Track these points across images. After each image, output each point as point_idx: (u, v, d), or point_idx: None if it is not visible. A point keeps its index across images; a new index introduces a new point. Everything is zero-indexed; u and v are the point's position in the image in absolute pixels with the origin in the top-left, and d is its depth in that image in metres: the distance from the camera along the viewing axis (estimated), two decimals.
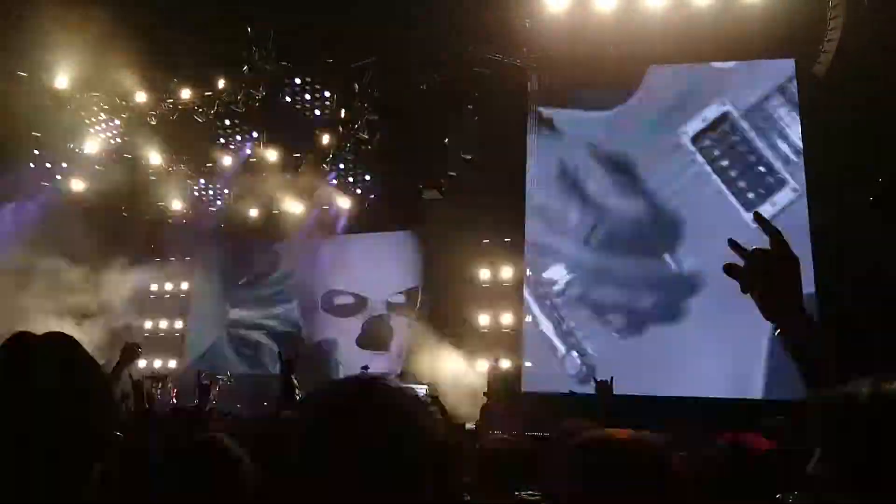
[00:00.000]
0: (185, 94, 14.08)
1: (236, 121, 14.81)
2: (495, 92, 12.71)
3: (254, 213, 16.05)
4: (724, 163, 11.74)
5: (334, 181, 15.18)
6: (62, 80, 13.23)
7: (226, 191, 16.27)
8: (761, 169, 11.52)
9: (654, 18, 11.17)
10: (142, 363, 13.32)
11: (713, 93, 12.02)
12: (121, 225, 16.11)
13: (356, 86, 13.70)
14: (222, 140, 15.23)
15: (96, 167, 15.04)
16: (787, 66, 11.69)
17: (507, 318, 13.12)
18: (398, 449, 0.89)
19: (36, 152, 14.51)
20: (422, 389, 11.36)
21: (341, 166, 15.10)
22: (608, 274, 11.83)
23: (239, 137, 15.16)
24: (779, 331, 1.29)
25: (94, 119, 14.51)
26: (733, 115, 11.85)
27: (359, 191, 15.42)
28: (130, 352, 4.74)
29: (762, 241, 1.39)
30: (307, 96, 14.24)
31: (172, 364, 15.43)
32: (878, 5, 9.91)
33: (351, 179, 15.34)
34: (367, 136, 14.34)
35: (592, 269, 11.99)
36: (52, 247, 13.45)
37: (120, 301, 15.40)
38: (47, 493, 1.13)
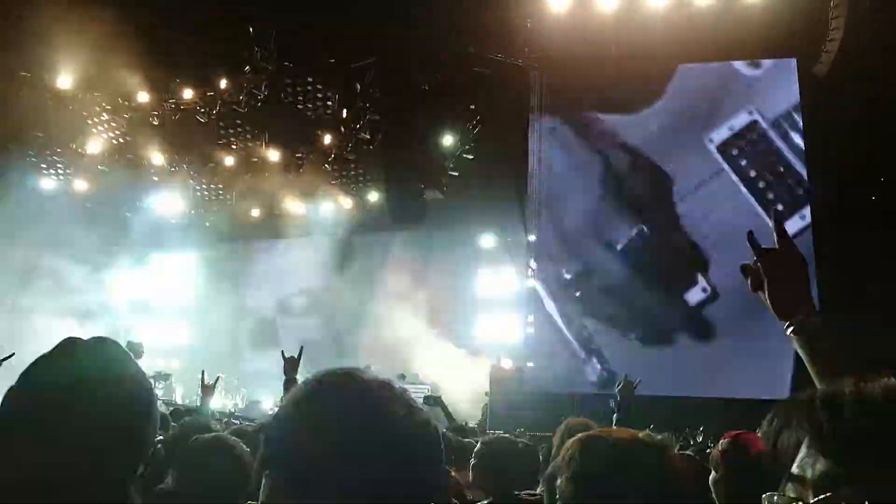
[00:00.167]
0: (187, 94, 14.11)
1: (238, 121, 14.83)
2: (497, 92, 12.71)
3: (256, 212, 16.08)
4: (752, 174, 11.49)
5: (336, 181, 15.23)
6: (65, 80, 13.26)
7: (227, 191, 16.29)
8: (790, 182, 11.35)
9: (656, 19, 11.17)
10: (144, 363, 13.33)
11: (741, 100, 11.74)
12: (123, 225, 16.14)
13: (358, 86, 13.71)
14: (224, 140, 15.25)
15: (98, 167, 15.07)
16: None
17: (508, 319, 13.14)
18: (376, 441, 0.87)
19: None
20: (424, 389, 11.40)
21: (342, 166, 15.14)
22: (627, 280, 11.70)
23: (240, 137, 15.19)
24: (790, 330, 1.30)
25: (96, 119, 14.54)
26: (761, 124, 11.63)
27: (360, 191, 15.46)
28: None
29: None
30: (309, 96, 14.26)
31: (175, 364, 15.45)
32: (879, 5, 9.91)
33: (352, 179, 15.37)
34: (368, 136, 14.35)
35: (612, 275, 11.80)
36: (54, 246, 13.48)
37: (122, 301, 15.44)
38: (96, 493, 1.16)
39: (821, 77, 11.16)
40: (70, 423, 1.18)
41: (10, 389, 1.25)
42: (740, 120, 11.74)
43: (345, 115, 14.17)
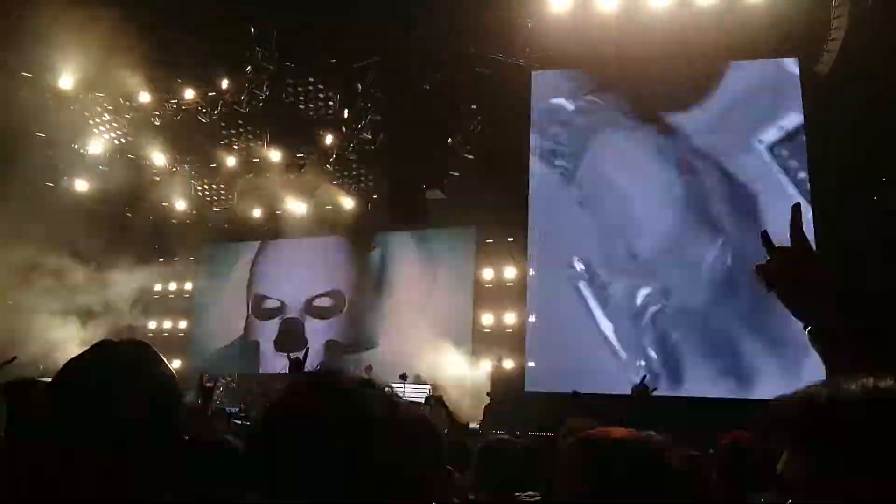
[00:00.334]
0: (189, 94, 14.13)
1: (239, 121, 14.84)
2: (498, 91, 12.71)
3: (257, 212, 16.09)
4: (802, 175, 11.21)
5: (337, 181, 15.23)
6: (66, 80, 13.27)
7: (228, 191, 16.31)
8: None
9: (657, 19, 11.17)
10: None
11: (793, 100, 11.47)
12: (125, 225, 16.15)
13: (359, 86, 13.72)
14: (225, 140, 15.27)
15: (100, 167, 15.09)
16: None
17: (510, 318, 13.14)
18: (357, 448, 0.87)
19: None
20: (425, 390, 11.40)
21: (344, 166, 15.15)
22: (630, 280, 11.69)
23: (242, 138, 15.20)
24: (808, 329, 1.29)
25: (97, 119, 14.56)
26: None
27: (361, 190, 15.47)
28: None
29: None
30: (310, 96, 14.27)
31: (176, 364, 15.46)
32: (881, 5, 9.90)
33: (354, 179, 15.38)
34: (370, 136, 14.36)
35: (615, 275, 11.72)
36: (56, 247, 13.50)
37: (124, 301, 15.45)
38: (134, 493, 1.19)
39: (822, 76, 11.15)
40: (105, 424, 1.19)
41: (41, 390, 1.28)
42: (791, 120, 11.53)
43: (346, 115, 14.18)
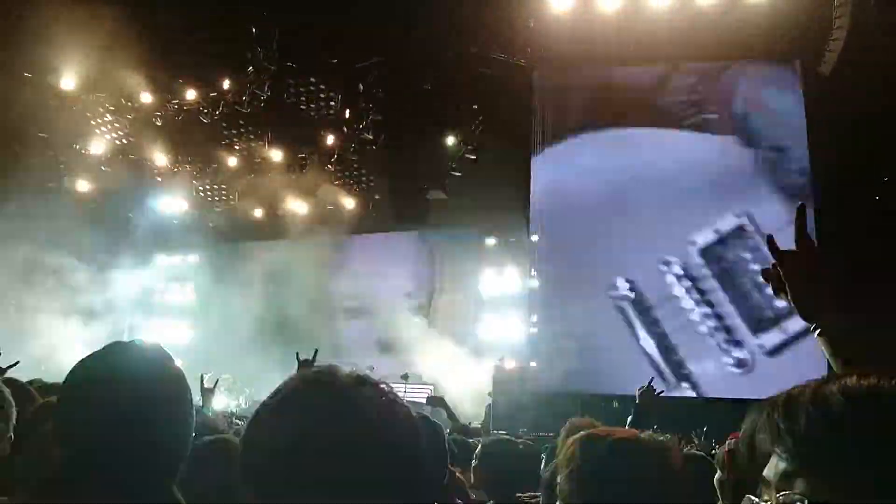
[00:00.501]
0: (190, 94, 14.14)
1: (241, 121, 14.86)
2: (499, 92, 12.71)
3: (258, 212, 16.11)
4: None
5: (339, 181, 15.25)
6: (68, 81, 13.29)
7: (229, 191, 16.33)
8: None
9: (659, 19, 11.16)
10: None
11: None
12: (126, 225, 16.18)
13: (360, 86, 13.73)
14: (227, 140, 15.28)
15: (101, 167, 15.11)
16: None
17: (511, 318, 13.13)
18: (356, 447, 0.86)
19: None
20: (426, 390, 11.40)
21: (345, 166, 15.16)
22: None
23: (243, 138, 15.22)
24: (816, 331, 1.29)
25: (99, 120, 14.58)
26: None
27: (363, 191, 15.48)
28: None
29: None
30: (311, 97, 14.28)
31: (178, 364, 15.46)
32: (884, 5, 9.88)
33: (355, 180, 15.39)
34: (371, 137, 14.37)
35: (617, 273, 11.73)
36: (57, 247, 13.52)
37: (126, 301, 15.47)
38: (143, 492, 1.21)
39: (824, 76, 11.13)
40: (116, 423, 1.20)
41: (46, 388, 1.29)
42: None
43: (347, 115, 14.19)
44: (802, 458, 0.70)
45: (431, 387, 12.13)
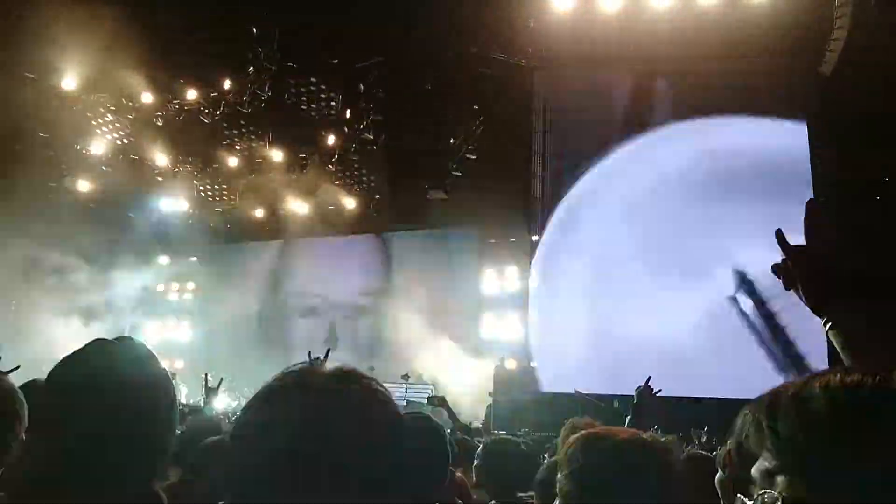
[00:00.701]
0: (191, 94, 14.15)
1: (241, 121, 14.86)
2: (500, 92, 12.71)
3: (259, 212, 16.11)
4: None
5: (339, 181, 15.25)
6: (69, 81, 13.30)
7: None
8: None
9: (660, 19, 11.15)
10: None
11: None
12: (127, 225, 16.18)
13: (361, 86, 13.73)
14: (227, 140, 15.28)
15: (103, 167, 15.11)
16: None
17: (512, 318, 13.13)
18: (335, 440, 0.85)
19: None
20: (427, 389, 11.40)
21: (346, 166, 15.16)
22: (635, 278, 11.72)
23: (244, 138, 15.22)
24: (828, 325, 1.29)
25: (100, 120, 14.58)
26: None
27: (364, 191, 15.48)
28: None
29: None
30: (312, 97, 14.28)
31: (179, 364, 15.49)
32: (884, 5, 9.88)
33: (356, 179, 15.39)
34: (371, 137, 14.37)
35: (619, 273, 11.72)
36: (58, 246, 13.53)
37: (126, 300, 15.48)
38: (124, 490, 1.20)
39: (825, 76, 11.13)
40: (98, 421, 1.20)
41: (39, 388, 1.28)
42: None
43: (348, 115, 14.19)
44: (783, 456, 0.70)
45: (431, 386, 12.13)
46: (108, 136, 14.87)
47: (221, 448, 2.28)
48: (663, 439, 1.46)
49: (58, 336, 12.75)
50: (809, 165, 11.19)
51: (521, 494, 2.84)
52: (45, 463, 1.20)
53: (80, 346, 1.32)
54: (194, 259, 16.96)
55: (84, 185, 15.13)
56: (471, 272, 14.06)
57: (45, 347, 11.58)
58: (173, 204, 16.27)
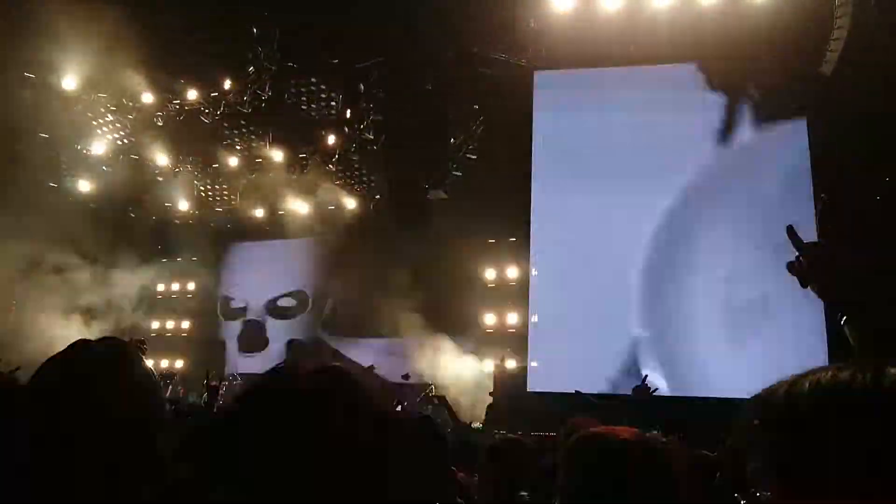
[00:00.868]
0: (191, 94, 14.16)
1: (242, 121, 14.87)
2: (500, 92, 12.71)
3: (259, 213, 16.12)
4: None
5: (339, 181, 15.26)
6: (69, 80, 13.30)
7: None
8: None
9: (660, 18, 11.16)
10: (148, 363, 13.36)
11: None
12: (127, 225, 16.18)
13: (361, 86, 13.74)
14: (228, 140, 15.29)
15: (103, 168, 15.12)
16: None
17: (512, 318, 13.13)
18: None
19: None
20: (428, 389, 11.41)
21: (346, 166, 15.16)
22: (635, 278, 11.70)
23: (244, 138, 15.23)
24: (843, 319, 1.29)
25: (101, 120, 14.59)
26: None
27: (364, 191, 15.48)
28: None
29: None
30: (312, 97, 14.29)
31: (179, 364, 15.49)
32: (884, 5, 9.88)
33: (356, 180, 15.40)
34: (372, 137, 14.37)
35: (618, 272, 11.74)
36: (60, 247, 13.53)
37: (127, 301, 15.48)
38: (110, 494, 1.18)
39: (825, 76, 11.13)
40: (82, 424, 1.19)
41: (23, 391, 1.27)
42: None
43: (348, 115, 14.19)
44: (773, 456, 0.70)
45: (431, 386, 12.14)
46: (109, 136, 14.88)
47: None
48: (664, 440, 1.46)
49: (58, 336, 12.75)
50: (809, 165, 11.19)
51: (523, 493, 2.85)
52: (28, 469, 1.19)
53: (68, 345, 1.31)
54: (194, 259, 16.95)
55: (84, 185, 15.13)
56: (471, 272, 14.05)
57: (45, 347, 11.58)
58: (174, 203, 16.27)
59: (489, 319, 13.42)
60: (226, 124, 14.86)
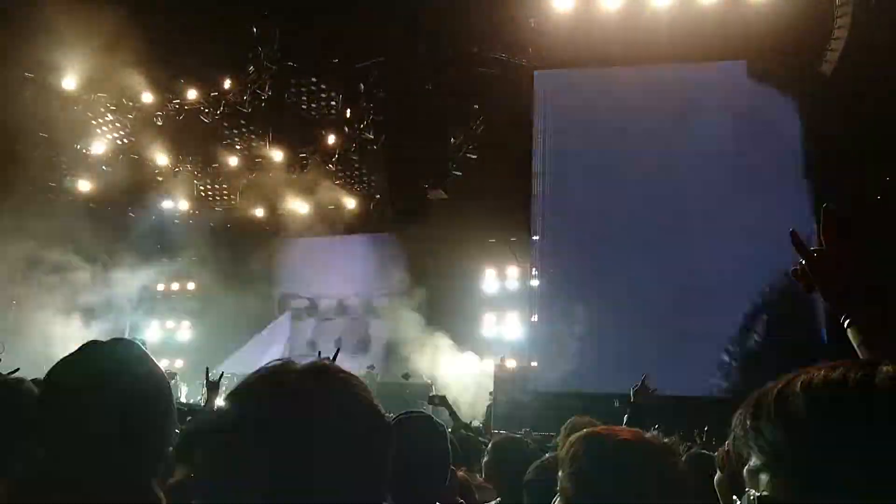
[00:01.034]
0: (191, 94, 14.15)
1: (242, 121, 14.86)
2: (501, 92, 12.71)
3: (259, 212, 16.11)
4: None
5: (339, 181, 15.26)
6: (70, 81, 13.30)
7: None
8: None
9: (660, 18, 11.16)
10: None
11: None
12: (127, 225, 16.17)
13: (361, 86, 13.73)
14: (228, 140, 15.28)
15: (103, 167, 15.11)
16: None
17: (513, 318, 13.13)
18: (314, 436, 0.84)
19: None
20: (428, 389, 11.40)
21: (346, 166, 15.16)
22: (636, 278, 11.66)
23: (244, 137, 15.22)
24: (847, 323, 1.29)
25: (101, 120, 14.59)
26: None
27: (364, 191, 15.48)
28: None
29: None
30: (312, 96, 14.28)
31: (179, 363, 15.49)
32: (884, 5, 9.88)
33: (356, 179, 15.40)
34: (372, 137, 14.37)
35: (619, 272, 11.74)
36: (59, 246, 13.52)
37: (127, 300, 15.47)
38: (121, 491, 1.20)
39: (825, 76, 11.12)
40: (94, 423, 1.20)
41: (36, 391, 1.28)
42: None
43: (348, 114, 14.19)
44: (765, 456, 0.71)
45: (432, 386, 12.13)
46: (109, 136, 14.87)
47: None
48: (665, 440, 1.46)
49: (58, 336, 12.75)
50: (809, 165, 11.20)
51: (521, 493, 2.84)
52: (43, 465, 1.20)
53: (80, 346, 1.32)
54: (194, 258, 16.95)
55: (84, 185, 15.13)
56: (471, 271, 14.05)
57: (45, 347, 11.58)
58: (173, 203, 16.26)
59: (489, 319, 13.42)
60: (226, 124, 14.85)
